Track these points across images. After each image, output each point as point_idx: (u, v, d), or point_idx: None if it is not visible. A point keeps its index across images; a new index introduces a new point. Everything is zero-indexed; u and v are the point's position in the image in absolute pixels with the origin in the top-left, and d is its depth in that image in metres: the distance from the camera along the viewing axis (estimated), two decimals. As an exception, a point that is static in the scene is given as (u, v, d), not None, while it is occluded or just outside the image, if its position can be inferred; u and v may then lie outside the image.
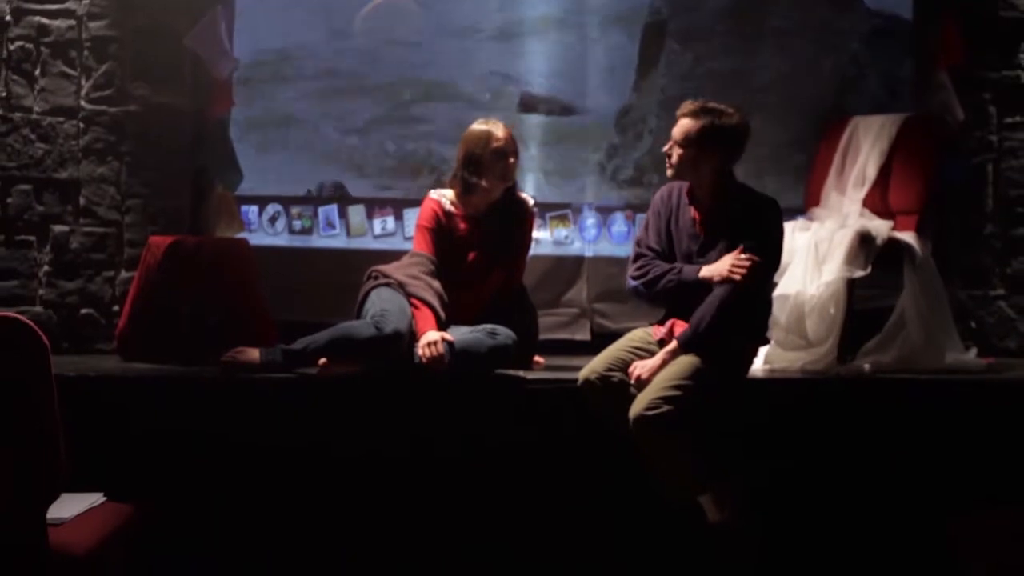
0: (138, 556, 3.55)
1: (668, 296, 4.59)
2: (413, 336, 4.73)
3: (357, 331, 4.73)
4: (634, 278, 4.67)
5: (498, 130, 4.99)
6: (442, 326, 4.78)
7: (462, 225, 5.03)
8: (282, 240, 6.34)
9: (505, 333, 4.80)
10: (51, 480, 2.91)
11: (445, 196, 5.06)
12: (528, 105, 6.35)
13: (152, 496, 3.78)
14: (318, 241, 6.36)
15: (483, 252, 5.00)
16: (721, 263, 4.45)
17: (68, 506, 3.17)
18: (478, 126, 5.04)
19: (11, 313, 2.86)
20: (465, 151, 5.00)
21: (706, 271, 4.46)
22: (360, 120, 6.41)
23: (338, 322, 4.85)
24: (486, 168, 4.96)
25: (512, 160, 4.99)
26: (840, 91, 6.32)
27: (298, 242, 6.35)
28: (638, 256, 4.70)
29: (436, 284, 4.89)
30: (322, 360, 4.75)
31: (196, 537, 4.53)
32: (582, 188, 6.39)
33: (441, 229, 5.01)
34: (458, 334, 4.77)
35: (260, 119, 6.33)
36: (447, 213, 5.03)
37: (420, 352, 4.66)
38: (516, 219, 5.07)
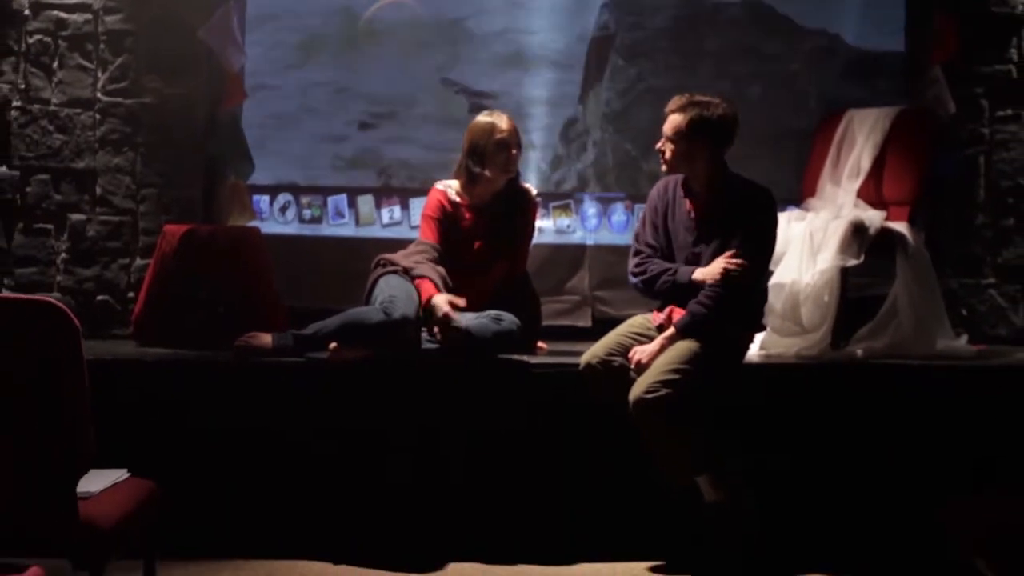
0: (159, 527, 3.65)
1: (665, 294, 4.69)
2: (420, 322, 4.83)
3: (366, 316, 4.81)
4: (633, 275, 4.76)
5: (502, 122, 5.07)
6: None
7: (467, 215, 5.12)
8: (292, 229, 6.43)
9: (509, 319, 4.89)
10: (81, 456, 3.03)
11: (451, 187, 5.15)
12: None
13: (167, 475, 3.83)
14: (327, 230, 6.45)
15: (488, 241, 5.09)
16: (713, 266, 4.52)
17: (95, 481, 3.27)
18: (483, 118, 5.13)
19: (46, 297, 3.00)
20: (469, 142, 5.09)
21: (699, 274, 4.54)
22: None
23: (347, 308, 4.92)
24: (489, 159, 5.05)
25: (514, 151, 5.08)
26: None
27: (308, 231, 6.44)
28: (637, 252, 4.77)
29: (440, 269, 4.98)
30: (332, 345, 4.80)
31: (207, 515, 4.61)
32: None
33: (447, 218, 5.10)
34: (464, 320, 4.86)
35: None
36: (452, 203, 5.12)
37: (440, 315, 4.79)
38: (519, 209, 5.15)
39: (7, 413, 2.90)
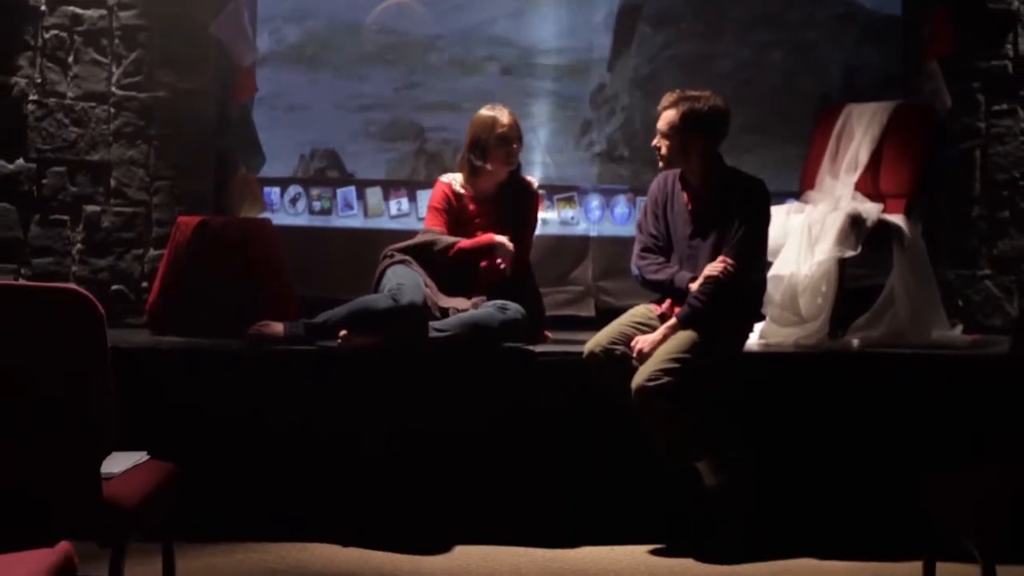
0: (178, 508, 3.71)
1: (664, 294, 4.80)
2: (428, 309, 4.89)
3: (375, 303, 4.87)
4: (636, 267, 4.84)
5: (503, 116, 5.14)
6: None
7: (471, 206, 5.20)
8: (302, 220, 6.51)
9: (515, 308, 4.96)
10: (105, 438, 3.10)
11: (455, 179, 5.24)
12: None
13: (180, 460, 3.83)
14: (337, 221, 6.54)
15: (491, 230, 5.15)
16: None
17: (117, 462, 3.33)
18: (485, 112, 5.19)
19: (71, 285, 3.08)
20: (472, 136, 5.17)
21: (694, 284, 4.62)
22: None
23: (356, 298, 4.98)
24: (491, 152, 5.13)
25: (515, 145, 5.15)
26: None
27: (318, 222, 6.52)
28: (640, 243, 4.84)
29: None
30: (342, 332, 4.85)
31: (220, 499, 4.66)
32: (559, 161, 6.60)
33: (451, 209, 5.18)
34: (469, 313, 4.95)
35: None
36: (456, 194, 5.20)
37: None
38: (522, 200, 5.23)
39: (35, 397, 2.97)
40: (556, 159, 6.61)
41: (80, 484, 3.06)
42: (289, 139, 6.54)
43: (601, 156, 6.65)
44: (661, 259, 4.79)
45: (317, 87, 6.61)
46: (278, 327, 4.98)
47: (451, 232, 5.18)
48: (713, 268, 4.59)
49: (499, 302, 5.00)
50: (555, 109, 6.63)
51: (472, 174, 5.19)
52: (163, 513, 3.58)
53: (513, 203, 5.21)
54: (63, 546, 2.63)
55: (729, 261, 4.58)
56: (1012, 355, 3.26)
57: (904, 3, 6.54)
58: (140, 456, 3.56)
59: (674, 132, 4.67)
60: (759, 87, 6.42)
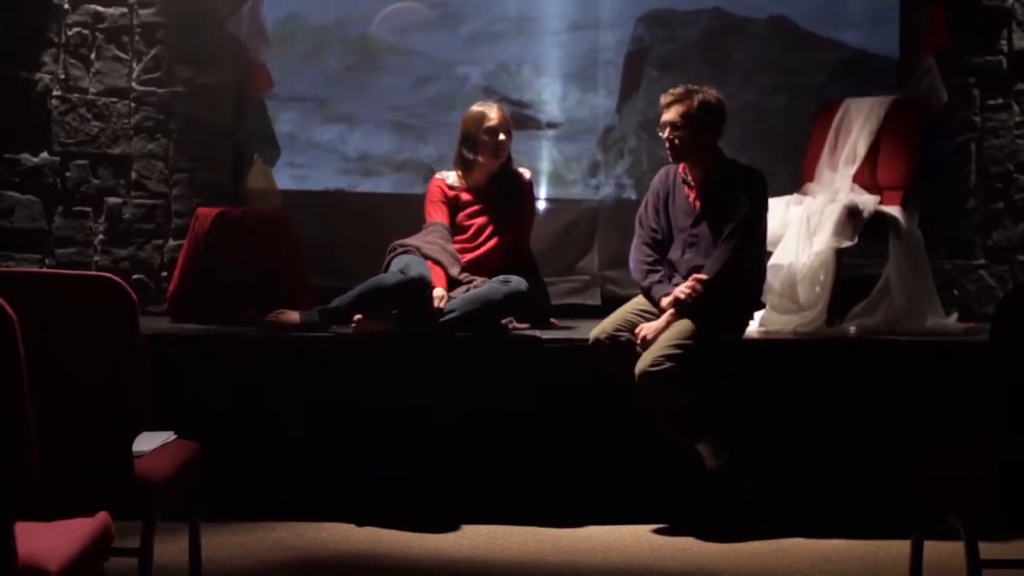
0: (203, 486, 3.84)
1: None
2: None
3: (384, 280, 4.99)
4: (633, 262, 4.96)
5: (492, 111, 5.29)
6: (453, 283, 5.12)
7: (466, 196, 5.34)
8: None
9: (517, 280, 5.08)
10: (137, 418, 3.23)
11: (448, 175, 5.39)
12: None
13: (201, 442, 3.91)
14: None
15: (486, 218, 5.31)
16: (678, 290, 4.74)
17: (146, 441, 3.46)
18: (475, 108, 5.35)
19: (106, 274, 3.22)
20: (463, 130, 5.32)
21: (664, 302, 4.74)
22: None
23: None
24: (481, 146, 5.26)
25: (503, 138, 5.27)
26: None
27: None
28: (640, 238, 4.94)
29: (450, 247, 5.23)
30: (357, 317, 4.95)
31: (240, 481, 4.76)
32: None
33: (448, 201, 5.34)
34: (473, 291, 5.08)
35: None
36: (451, 187, 5.36)
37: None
38: (515, 191, 5.36)
39: (74, 380, 3.09)
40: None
41: (114, 460, 3.18)
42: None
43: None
44: (653, 257, 4.88)
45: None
46: (294, 315, 5.10)
47: (451, 223, 5.31)
48: (680, 291, 4.70)
49: (501, 276, 5.11)
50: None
51: (465, 167, 5.33)
52: (189, 490, 3.71)
53: (507, 195, 5.33)
54: (102, 516, 2.76)
55: (697, 286, 4.68)
56: (992, 339, 3.37)
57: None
58: (168, 435, 3.69)
59: (689, 123, 4.74)
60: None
